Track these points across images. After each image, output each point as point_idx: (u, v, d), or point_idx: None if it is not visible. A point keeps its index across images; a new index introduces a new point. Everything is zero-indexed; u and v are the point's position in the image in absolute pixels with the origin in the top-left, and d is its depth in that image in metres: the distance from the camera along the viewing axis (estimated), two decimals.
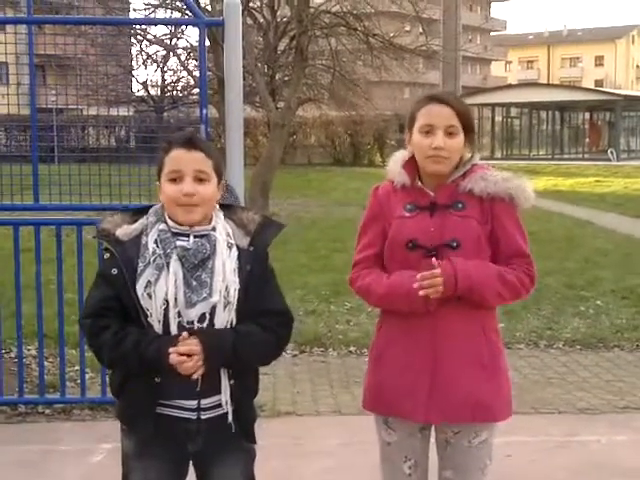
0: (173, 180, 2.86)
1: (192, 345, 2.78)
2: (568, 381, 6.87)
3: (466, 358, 3.16)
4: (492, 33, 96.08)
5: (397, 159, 3.33)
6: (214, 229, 2.91)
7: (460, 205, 3.17)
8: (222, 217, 2.97)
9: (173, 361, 2.76)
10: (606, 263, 12.23)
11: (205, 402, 2.91)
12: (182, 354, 2.76)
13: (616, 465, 5.19)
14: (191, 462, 3.08)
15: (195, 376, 2.81)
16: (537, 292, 9.42)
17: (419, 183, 3.23)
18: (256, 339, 2.90)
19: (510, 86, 61.15)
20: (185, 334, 2.79)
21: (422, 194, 3.22)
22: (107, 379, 5.52)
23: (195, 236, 2.87)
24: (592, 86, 75.80)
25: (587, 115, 56.98)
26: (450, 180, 3.21)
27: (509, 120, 55.11)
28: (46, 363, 6.50)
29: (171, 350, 2.76)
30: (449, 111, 3.16)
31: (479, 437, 3.23)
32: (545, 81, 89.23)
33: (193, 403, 2.90)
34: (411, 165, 3.26)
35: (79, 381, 6.18)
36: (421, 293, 3.05)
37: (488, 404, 3.17)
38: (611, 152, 46.16)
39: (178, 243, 2.85)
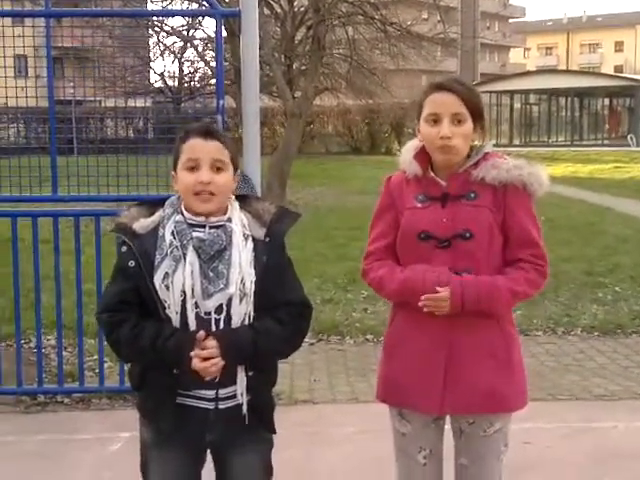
0: (190, 169, 2.87)
1: (212, 349, 2.80)
2: (586, 368, 6.87)
3: (480, 349, 3.14)
4: (510, 20, 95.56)
5: (409, 149, 3.30)
6: (230, 220, 2.91)
7: (472, 195, 3.14)
8: (238, 208, 2.98)
9: (196, 367, 2.79)
10: (625, 249, 12.19)
11: (223, 392, 2.92)
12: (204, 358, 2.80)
13: (634, 451, 5.19)
14: (209, 451, 3.10)
15: (209, 378, 2.84)
16: (555, 279, 9.47)
17: (431, 173, 3.21)
18: (275, 336, 2.91)
19: (529, 73, 60.90)
20: (202, 334, 2.80)
21: (434, 184, 3.19)
22: (125, 369, 5.57)
23: (211, 227, 2.88)
24: (612, 72, 75.29)
25: (606, 101, 56.65)
26: (462, 169, 3.18)
27: (528, 107, 54.87)
28: (65, 353, 6.56)
29: (193, 354, 2.79)
30: (454, 98, 3.12)
31: (494, 426, 3.23)
32: (564, 67, 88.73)
33: (211, 393, 2.91)
34: (423, 155, 3.23)
35: (97, 370, 6.23)
36: (425, 310, 3.07)
37: (503, 394, 3.17)
38: (631, 138, 45.84)
39: (194, 234, 2.85)
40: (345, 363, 7.02)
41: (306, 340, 7.00)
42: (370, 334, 7.70)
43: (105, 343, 5.75)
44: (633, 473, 4.93)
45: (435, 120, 3.13)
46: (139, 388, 3.03)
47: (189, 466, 3.06)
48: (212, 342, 2.81)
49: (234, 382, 2.91)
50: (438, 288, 3.05)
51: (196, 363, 2.79)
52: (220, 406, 2.93)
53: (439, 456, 3.38)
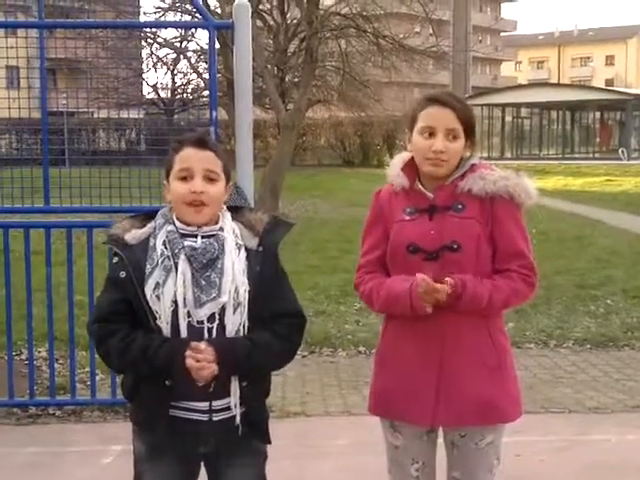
0: (183, 179, 2.87)
1: (208, 354, 2.79)
2: (578, 380, 6.86)
3: (472, 360, 3.14)
4: (502, 33, 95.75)
5: (396, 162, 3.32)
6: (221, 229, 2.91)
7: (460, 206, 3.14)
8: (230, 218, 2.98)
9: (190, 366, 2.77)
10: (617, 262, 12.21)
11: (217, 404, 2.91)
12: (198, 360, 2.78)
13: (627, 464, 5.18)
14: (203, 463, 3.09)
15: (201, 383, 2.83)
16: (547, 291, 9.49)
17: (419, 185, 3.22)
18: (271, 350, 2.91)
19: (520, 86, 61.06)
20: (197, 344, 2.79)
21: (421, 197, 3.20)
22: (117, 381, 5.55)
23: (203, 236, 2.88)
24: (603, 86, 75.58)
25: (598, 114, 56.79)
26: (449, 181, 3.19)
27: (519, 120, 55.00)
28: (56, 365, 6.53)
29: (187, 354, 2.77)
30: (450, 114, 3.13)
31: (486, 439, 3.22)
32: (556, 81, 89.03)
33: (205, 405, 2.90)
34: (410, 167, 3.24)
35: (89, 383, 6.19)
36: (420, 290, 3.02)
37: (496, 405, 3.16)
38: (622, 151, 45.99)
39: (186, 243, 2.85)
40: (337, 375, 7.00)
41: (298, 352, 7.01)
42: (362, 346, 7.69)
43: (97, 355, 5.73)
44: None
45: (430, 133, 3.14)
46: (132, 400, 3.02)
47: (183, 479, 3.04)
48: (208, 348, 2.79)
49: (228, 394, 2.90)
50: (438, 285, 3.03)
51: (190, 362, 2.77)
52: (214, 418, 2.92)
53: (432, 469, 3.38)
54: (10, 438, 5.66)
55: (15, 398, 6.06)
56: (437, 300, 3.03)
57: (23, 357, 6.92)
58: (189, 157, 2.89)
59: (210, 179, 2.88)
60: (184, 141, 2.94)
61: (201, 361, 2.76)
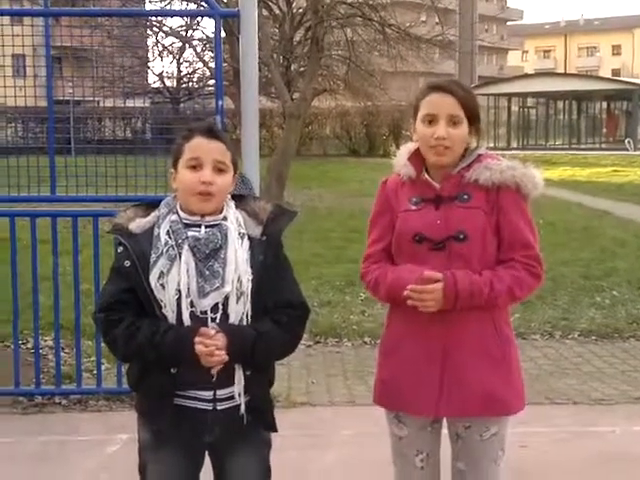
0: (192, 167, 2.87)
1: (218, 340, 2.79)
2: (583, 371, 6.86)
3: (476, 351, 3.14)
4: (508, 23, 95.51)
5: (403, 152, 3.30)
6: (225, 219, 2.91)
7: (466, 196, 3.14)
8: (233, 207, 2.98)
9: (199, 351, 2.77)
10: (623, 253, 12.18)
11: (221, 393, 2.91)
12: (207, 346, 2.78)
13: (631, 456, 5.18)
14: (207, 452, 3.09)
15: (213, 371, 2.83)
16: (553, 282, 9.48)
17: (425, 175, 3.21)
18: (275, 341, 2.91)
19: (527, 76, 60.92)
20: (207, 330, 2.80)
21: (427, 186, 3.19)
22: (123, 370, 5.56)
23: (206, 226, 2.88)
24: (609, 75, 75.35)
25: (604, 104, 56.65)
26: (455, 171, 3.18)
27: (526, 110, 54.94)
28: (62, 354, 6.53)
29: (197, 340, 2.77)
30: (452, 100, 3.12)
31: (490, 430, 3.22)
32: (562, 71, 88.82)
33: (209, 394, 2.91)
34: (417, 157, 3.23)
35: (95, 372, 6.22)
36: (409, 303, 3.06)
37: (500, 397, 3.16)
38: (628, 142, 45.87)
39: (189, 233, 2.85)
40: (343, 366, 7.00)
41: (303, 342, 7.01)
42: (368, 337, 7.68)
43: (103, 344, 5.74)
44: (631, 477, 4.93)
45: (431, 121, 3.13)
46: (137, 389, 3.03)
47: (187, 468, 3.05)
48: (218, 334, 2.80)
49: (232, 383, 2.90)
50: (428, 286, 3.04)
51: (200, 348, 2.77)
52: (218, 407, 2.92)
53: (436, 459, 3.38)
54: (16, 427, 5.68)
55: (21, 387, 6.08)
56: (436, 301, 3.05)
57: (29, 346, 6.94)
58: (199, 146, 2.88)
59: (219, 170, 2.88)
60: (194, 130, 2.94)
61: (210, 347, 2.77)
